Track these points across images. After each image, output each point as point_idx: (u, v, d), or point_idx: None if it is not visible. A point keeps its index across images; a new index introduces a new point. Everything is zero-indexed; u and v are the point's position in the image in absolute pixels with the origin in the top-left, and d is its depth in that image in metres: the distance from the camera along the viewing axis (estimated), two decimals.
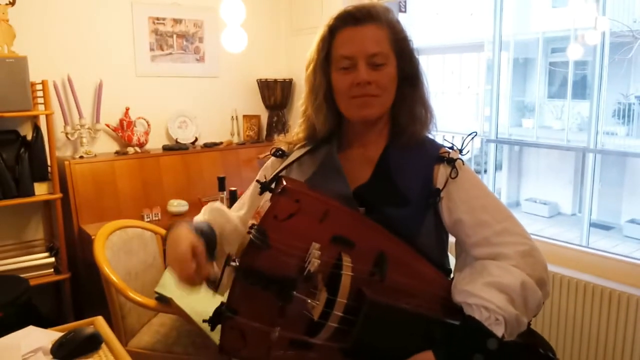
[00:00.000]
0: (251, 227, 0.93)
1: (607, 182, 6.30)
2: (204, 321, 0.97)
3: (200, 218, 1.15)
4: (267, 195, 1.02)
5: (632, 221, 6.28)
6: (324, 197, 0.98)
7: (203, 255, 0.98)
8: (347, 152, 1.12)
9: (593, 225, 5.89)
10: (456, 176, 1.03)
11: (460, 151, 1.07)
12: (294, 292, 0.91)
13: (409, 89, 1.07)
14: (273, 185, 1.02)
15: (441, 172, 1.04)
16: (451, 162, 1.04)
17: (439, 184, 1.04)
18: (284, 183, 0.97)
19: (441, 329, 0.94)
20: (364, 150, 1.10)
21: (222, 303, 0.96)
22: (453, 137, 1.19)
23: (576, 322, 2.06)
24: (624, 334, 1.93)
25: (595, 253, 2.15)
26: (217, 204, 1.17)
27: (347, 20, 1.03)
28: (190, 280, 0.97)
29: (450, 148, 1.08)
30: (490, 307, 0.91)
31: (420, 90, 1.08)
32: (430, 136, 1.12)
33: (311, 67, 1.09)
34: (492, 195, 1.06)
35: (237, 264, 0.93)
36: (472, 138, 1.09)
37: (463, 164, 1.05)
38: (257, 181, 1.04)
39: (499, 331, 0.90)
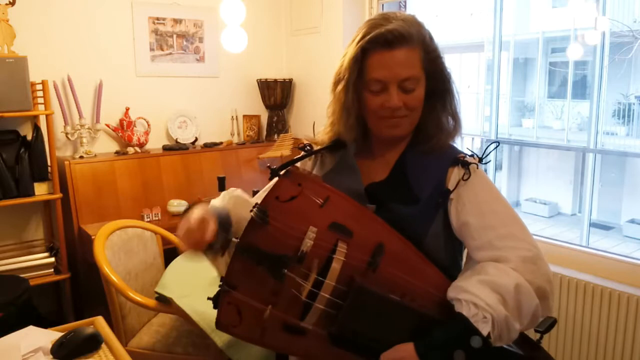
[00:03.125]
0: (254, 206, 0.95)
1: (607, 182, 6.29)
2: (208, 298, 0.98)
3: (218, 203, 1.15)
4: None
5: (632, 221, 6.27)
6: (325, 184, 1.00)
7: (212, 223, 0.99)
8: (368, 152, 1.14)
9: (593, 225, 5.89)
10: (468, 178, 1.03)
11: (481, 159, 1.07)
12: (286, 271, 0.93)
13: (439, 102, 1.08)
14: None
15: (454, 174, 1.05)
16: (466, 164, 1.04)
17: (451, 185, 1.04)
18: (290, 168, 1.00)
19: (429, 324, 0.93)
20: (385, 152, 1.12)
21: (221, 278, 0.98)
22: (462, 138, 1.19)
23: (576, 321, 2.06)
24: (624, 333, 1.93)
25: (595, 253, 2.15)
26: (238, 191, 1.17)
27: (379, 43, 1.01)
28: (193, 245, 0.99)
29: (470, 155, 1.08)
30: (479, 304, 0.90)
31: (449, 103, 1.09)
32: (453, 144, 1.12)
33: (342, 85, 1.07)
34: (504, 200, 1.05)
35: (237, 240, 0.96)
36: (495, 148, 1.10)
37: (477, 168, 1.05)
38: (268, 166, 1.06)
39: (484, 329, 0.88)
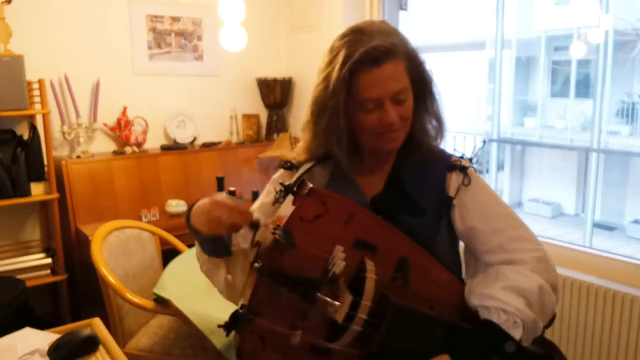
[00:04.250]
0: (275, 228, 0.93)
1: (611, 182, 6.25)
2: (219, 326, 0.96)
3: None
4: (286, 202, 1.02)
5: (636, 222, 6.24)
6: (348, 200, 0.99)
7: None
8: (359, 161, 1.12)
9: (596, 225, 5.85)
10: (469, 183, 1.05)
11: (471, 160, 1.09)
12: (318, 294, 0.91)
13: (422, 106, 1.08)
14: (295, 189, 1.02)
15: (453, 180, 1.06)
16: (463, 169, 1.06)
17: (451, 191, 1.06)
18: (310, 185, 0.97)
19: (459, 333, 0.95)
20: (376, 162, 1.12)
21: (241, 306, 0.96)
22: (455, 136, 1.18)
23: (579, 323, 2.04)
24: (628, 335, 1.91)
25: (598, 254, 2.13)
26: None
27: (367, 61, 1.00)
28: (240, 215, 0.93)
29: (460, 157, 1.10)
30: (508, 310, 0.92)
31: (430, 105, 1.09)
32: (440, 145, 1.13)
33: (332, 110, 1.03)
34: (503, 202, 1.08)
35: (260, 264, 0.93)
36: (482, 147, 1.13)
37: (474, 172, 1.07)
38: (281, 184, 1.04)
39: (516, 334, 0.91)
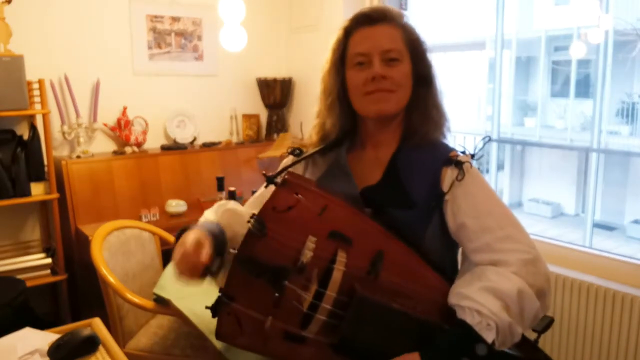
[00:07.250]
0: (252, 217, 0.95)
1: (611, 182, 6.25)
2: (207, 307, 0.98)
3: (211, 217, 1.15)
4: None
5: (636, 222, 6.24)
6: (326, 193, 0.99)
7: (208, 246, 0.98)
8: (360, 154, 1.13)
9: (596, 225, 5.85)
10: (462, 179, 1.01)
11: (473, 156, 1.06)
12: (286, 282, 0.92)
13: (423, 90, 1.08)
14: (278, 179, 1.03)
15: (448, 175, 1.04)
16: (459, 164, 1.03)
17: (445, 186, 1.03)
18: (287, 176, 0.99)
19: (432, 331, 0.93)
20: (377, 152, 1.11)
21: (220, 289, 0.98)
22: (455, 136, 1.18)
23: (579, 323, 2.04)
24: (628, 335, 1.91)
25: (598, 254, 2.13)
26: (231, 203, 1.17)
27: (362, 21, 1.05)
28: (190, 270, 0.97)
29: (462, 152, 1.08)
30: (482, 312, 0.90)
31: (433, 92, 1.09)
32: (444, 140, 1.12)
33: (326, 68, 1.10)
34: (499, 200, 1.04)
35: (236, 251, 0.96)
36: (485, 143, 1.08)
37: (471, 167, 1.04)
38: (264, 174, 1.05)
39: (489, 337, 0.89)
